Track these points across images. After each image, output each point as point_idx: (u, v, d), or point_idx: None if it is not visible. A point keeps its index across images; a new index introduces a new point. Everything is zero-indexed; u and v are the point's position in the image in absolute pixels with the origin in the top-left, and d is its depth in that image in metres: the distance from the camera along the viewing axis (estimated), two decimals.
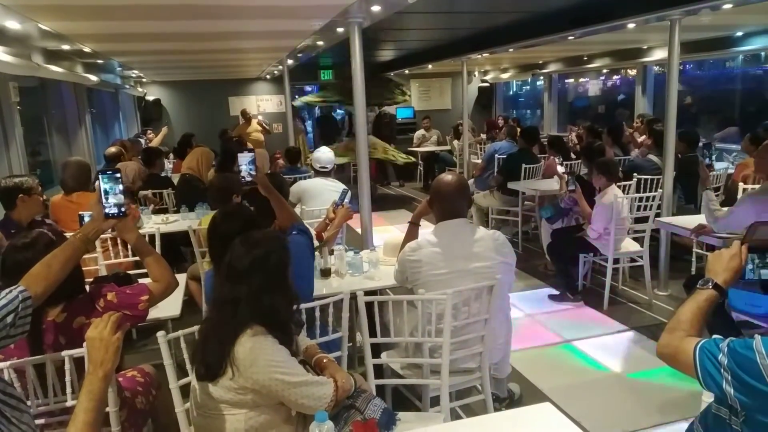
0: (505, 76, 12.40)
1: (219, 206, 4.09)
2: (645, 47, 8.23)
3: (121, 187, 2.06)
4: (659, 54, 8.04)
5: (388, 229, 7.26)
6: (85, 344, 1.88)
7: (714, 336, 1.47)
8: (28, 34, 4.27)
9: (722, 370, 1.35)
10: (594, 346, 3.95)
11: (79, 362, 1.98)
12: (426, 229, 2.82)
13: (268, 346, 1.79)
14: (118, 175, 2.07)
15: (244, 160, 2.84)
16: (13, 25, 3.76)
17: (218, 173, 4.98)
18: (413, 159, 9.86)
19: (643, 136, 7.36)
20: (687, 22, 4.51)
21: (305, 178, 5.89)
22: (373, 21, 4.07)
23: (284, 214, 2.79)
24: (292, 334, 1.95)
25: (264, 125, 10.43)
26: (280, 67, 8.21)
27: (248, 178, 2.84)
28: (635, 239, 4.78)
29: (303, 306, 2.29)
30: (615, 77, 11.96)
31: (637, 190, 5.00)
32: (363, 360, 2.50)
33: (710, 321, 1.62)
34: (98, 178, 2.05)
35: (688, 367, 1.42)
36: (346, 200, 3.53)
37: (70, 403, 1.99)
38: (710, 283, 1.56)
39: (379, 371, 2.61)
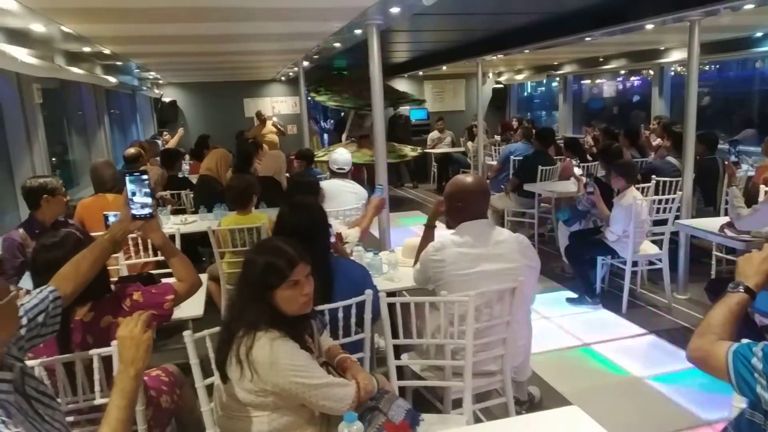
0: (519, 77, 12.35)
1: (237, 207, 4.16)
2: (662, 48, 8.16)
3: (147, 189, 2.08)
4: (677, 55, 7.97)
5: (404, 231, 7.26)
6: (114, 343, 1.92)
7: (745, 340, 1.46)
8: (52, 37, 4.33)
9: (756, 375, 1.33)
10: (613, 349, 3.93)
11: (106, 361, 2.01)
12: (438, 230, 2.82)
13: (288, 351, 1.78)
14: (145, 177, 2.10)
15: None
16: (38, 27, 3.81)
17: (235, 174, 5.01)
18: (419, 149, 9.81)
19: (659, 139, 7.31)
20: (706, 23, 4.47)
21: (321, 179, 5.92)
22: (391, 23, 4.09)
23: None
24: (302, 329, 1.94)
25: (279, 127, 10.48)
26: (296, 68, 8.25)
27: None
28: (654, 242, 4.74)
29: (326, 307, 2.30)
30: (631, 78, 11.88)
31: (656, 193, 4.96)
32: (381, 361, 2.51)
33: None
34: (125, 180, 2.08)
35: (720, 371, 1.41)
36: (382, 194, 3.69)
37: (98, 401, 2.02)
38: (741, 287, 1.55)
39: (399, 373, 2.61)
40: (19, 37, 4.00)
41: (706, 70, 9.22)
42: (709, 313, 1.55)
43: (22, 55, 3.82)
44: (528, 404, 3.11)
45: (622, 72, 11.36)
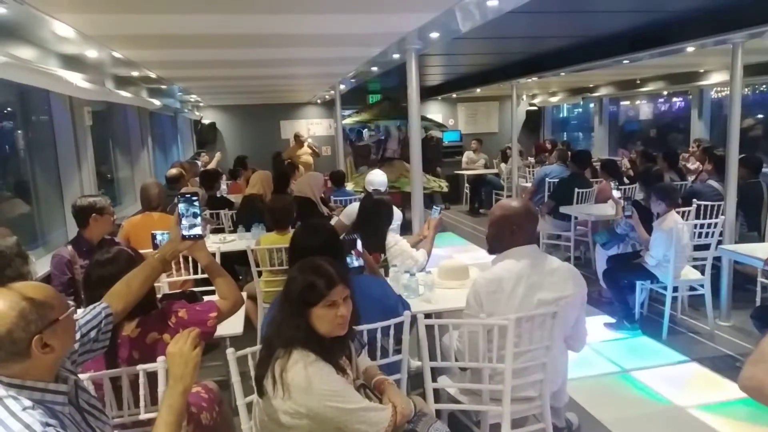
0: (554, 99, 12.30)
1: (277, 226, 4.25)
2: (702, 71, 8.03)
3: (197, 210, 2.15)
4: (716, 77, 7.83)
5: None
6: (160, 359, 1.98)
7: None
8: (103, 62, 4.53)
9: None
10: (654, 376, 3.82)
11: (151, 377, 2.06)
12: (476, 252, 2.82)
13: (323, 375, 1.80)
14: (195, 199, 2.17)
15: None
16: (91, 53, 4.01)
17: (275, 195, 5.11)
18: (446, 185, 9.53)
19: (697, 163, 7.17)
20: (750, 45, 4.41)
21: (352, 200, 5.98)
22: (429, 47, 4.14)
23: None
24: (336, 351, 1.94)
25: (314, 148, 10.65)
26: (332, 91, 8.40)
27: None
28: (695, 267, 4.63)
29: (364, 327, 2.32)
30: (669, 101, 11.69)
31: (697, 217, 4.86)
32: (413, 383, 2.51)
33: None
34: (177, 202, 2.15)
35: None
36: (439, 214, 3.85)
37: (143, 416, 2.07)
38: None
39: (435, 395, 2.60)
40: (73, 62, 4.20)
41: (747, 93, 9.03)
42: (763, 341, 1.51)
43: (77, 79, 4.01)
44: (566, 431, 3.05)
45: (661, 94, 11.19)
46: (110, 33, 3.50)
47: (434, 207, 3.99)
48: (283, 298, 1.92)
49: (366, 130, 9.93)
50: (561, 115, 14.47)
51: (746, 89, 8.79)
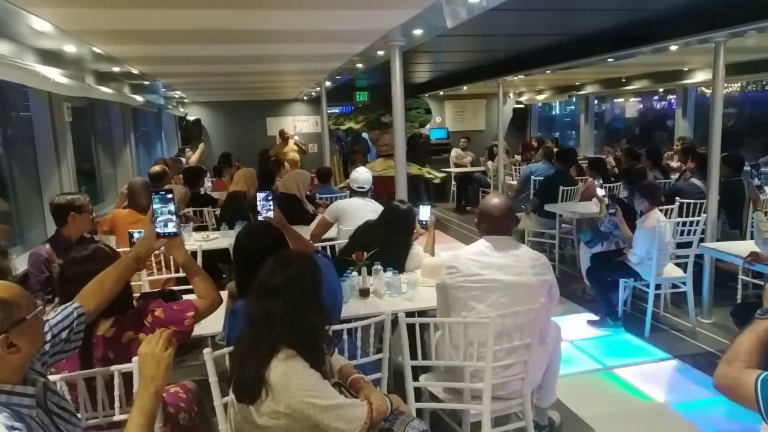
0: (540, 97, 12.34)
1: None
2: (686, 69, 8.10)
3: (172, 207, 2.11)
4: (701, 76, 7.90)
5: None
6: (135, 359, 1.94)
7: None
8: (83, 57, 4.46)
9: None
10: (636, 374, 3.84)
11: (126, 377, 2.02)
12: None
13: (300, 370, 1.78)
14: (170, 195, 2.14)
15: (260, 196, 2.89)
16: (70, 48, 3.93)
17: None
18: (439, 175, 9.85)
19: (679, 162, 7.22)
20: (732, 44, 4.43)
21: (339, 197, 5.95)
22: (414, 44, 4.13)
23: (304, 247, 2.80)
24: (324, 353, 1.94)
25: (300, 145, 10.59)
26: (318, 88, 8.36)
27: (264, 214, 2.88)
28: (678, 265, 4.66)
29: (344, 327, 2.30)
30: (654, 99, 11.79)
31: (680, 215, 4.89)
32: (396, 382, 2.50)
33: None
34: (151, 198, 2.12)
35: (748, 399, 1.38)
36: (430, 213, 3.85)
37: (117, 417, 2.04)
38: None
39: (417, 394, 2.59)
40: (51, 57, 4.12)
41: (732, 91, 9.12)
42: (737, 340, 1.51)
43: (55, 75, 3.94)
44: (548, 429, 3.05)
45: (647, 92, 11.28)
46: (89, 28, 3.44)
47: (422, 205, 3.95)
48: (288, 295, 1.84)
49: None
50: (553, 113, 14.51)
51: (753, 85, 8.84)
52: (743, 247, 3.88)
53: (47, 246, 3.31)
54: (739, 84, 8.91)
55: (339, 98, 10.98)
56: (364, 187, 4.80)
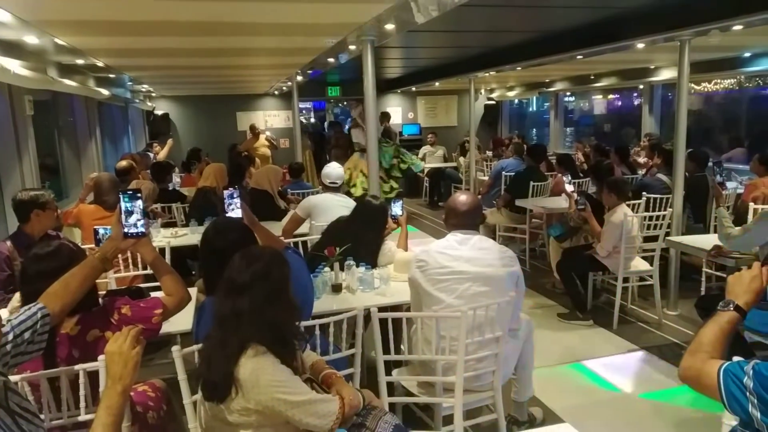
0: (511, 94, 12.46)
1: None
2: (653, 67, 8.27)
3: (140, 206, 2.07)
4: (667, 74, 8.07)
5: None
6: (102, 358, 1.89)
7: (737, 358, 1.46)
8: (45, 49, 4.32)
9: (748, 394, 1.33)
10: (604, 365, 3.92)
11: (92, 376, 1.98)
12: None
13: (269, 366, 1.76)
14: (139, 194, 2.09)
15: (226, 194, 2.90)
16: (31, 39, 3.81)
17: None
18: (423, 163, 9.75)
19: (646, 158, 7.38)
20: (696, 42, 4.54)
21: (311, 193, 5.91)
22: (385, 39, 4.11)
23: (273, 244, 2.77)
24: (294, 349, 1.92)
25: (272, 141, 10.49)
26: (289, 83, 8.28)
27: (229, 213, 2.88)
28: (644, 258, 4.76)
29: (316, 322, 2.29)
30: (621, 95, 12.00)
31: (646, 209, 4.99)
32: (369, 377, 2.50)
33: None
34: (119, 198, 2.07)
35: (711, 389, 1.41)
36: (402, 209, 3.83)
37: (83, 417, 1.99)
38: (731, 305, 1.55)
39: (389, 388, 2.59)
40: (12, 48, 3.99)
41: (697, 89, 9.34)
42: (700, 332, 1.55)
43: (15, 66, 3.81)
44: (528, 425, 3.07)
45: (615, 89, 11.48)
46: (51, 18, 3.33)
47: (394, 201, 3.95)
48: (256, 292, 1.81)
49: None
50: (530, 109, 14.60)
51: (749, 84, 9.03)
52: (707, 241, 3.99)
53: (8, 243, 3.20)
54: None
55: (311, 93, 10.90)
56: (336, 183, 4.78)
